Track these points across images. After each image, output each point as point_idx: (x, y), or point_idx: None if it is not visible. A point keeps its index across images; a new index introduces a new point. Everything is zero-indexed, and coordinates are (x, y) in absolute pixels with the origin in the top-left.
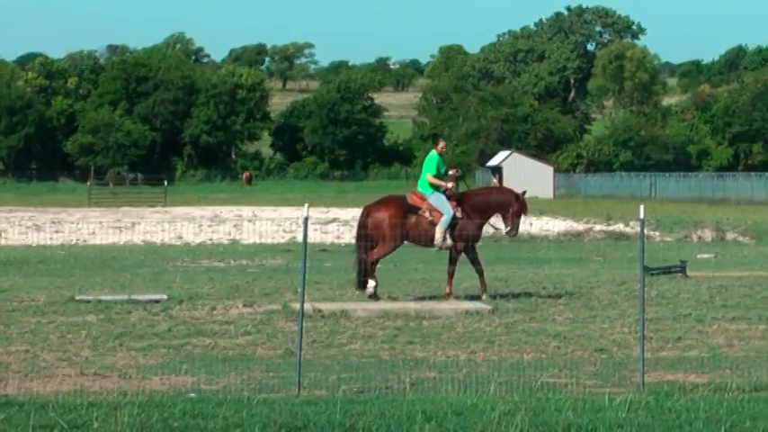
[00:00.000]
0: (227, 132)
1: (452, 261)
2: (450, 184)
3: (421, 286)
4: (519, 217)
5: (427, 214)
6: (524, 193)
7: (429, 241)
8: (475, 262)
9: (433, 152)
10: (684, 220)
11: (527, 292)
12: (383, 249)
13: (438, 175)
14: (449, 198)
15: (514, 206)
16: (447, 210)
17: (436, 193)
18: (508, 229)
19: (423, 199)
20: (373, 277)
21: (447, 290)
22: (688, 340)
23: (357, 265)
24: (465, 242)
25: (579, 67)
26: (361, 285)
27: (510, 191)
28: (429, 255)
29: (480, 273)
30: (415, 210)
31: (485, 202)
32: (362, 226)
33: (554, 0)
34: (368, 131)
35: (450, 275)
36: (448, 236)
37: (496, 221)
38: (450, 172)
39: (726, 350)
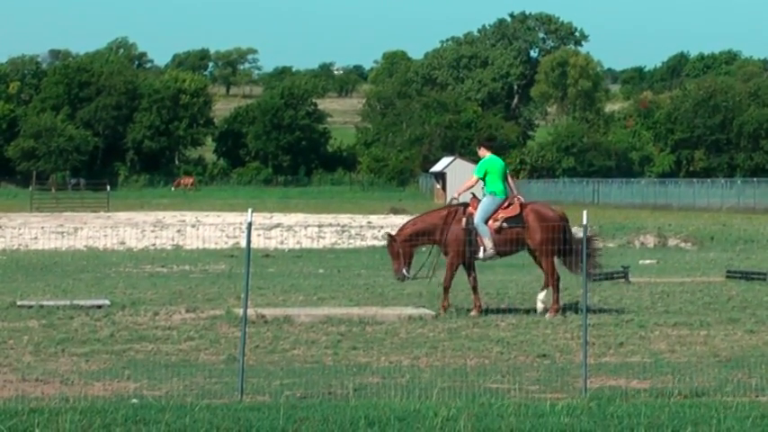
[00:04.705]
0: (170, 138)
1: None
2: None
3: (364, 291)
4: None
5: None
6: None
7: None
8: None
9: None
10: (627, 226)
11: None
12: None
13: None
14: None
15: None
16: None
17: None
18: None
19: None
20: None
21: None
22: (630, 346)
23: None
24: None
25: (522, 73)
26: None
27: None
28: (372, 261)
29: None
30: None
31: None
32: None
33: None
34: (311, 137)
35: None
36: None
37: None
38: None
39: (668, 356)
